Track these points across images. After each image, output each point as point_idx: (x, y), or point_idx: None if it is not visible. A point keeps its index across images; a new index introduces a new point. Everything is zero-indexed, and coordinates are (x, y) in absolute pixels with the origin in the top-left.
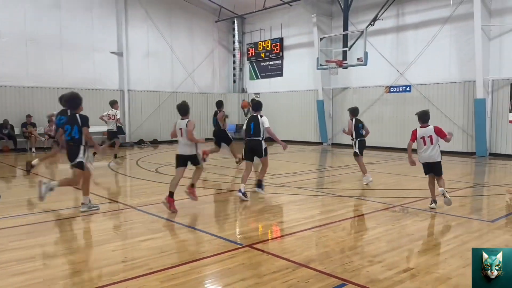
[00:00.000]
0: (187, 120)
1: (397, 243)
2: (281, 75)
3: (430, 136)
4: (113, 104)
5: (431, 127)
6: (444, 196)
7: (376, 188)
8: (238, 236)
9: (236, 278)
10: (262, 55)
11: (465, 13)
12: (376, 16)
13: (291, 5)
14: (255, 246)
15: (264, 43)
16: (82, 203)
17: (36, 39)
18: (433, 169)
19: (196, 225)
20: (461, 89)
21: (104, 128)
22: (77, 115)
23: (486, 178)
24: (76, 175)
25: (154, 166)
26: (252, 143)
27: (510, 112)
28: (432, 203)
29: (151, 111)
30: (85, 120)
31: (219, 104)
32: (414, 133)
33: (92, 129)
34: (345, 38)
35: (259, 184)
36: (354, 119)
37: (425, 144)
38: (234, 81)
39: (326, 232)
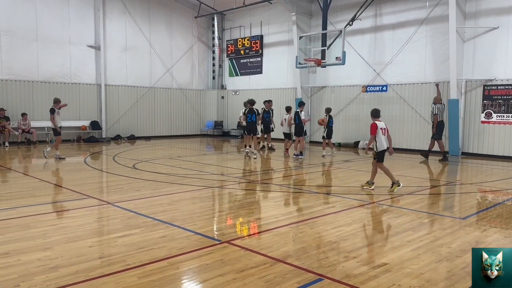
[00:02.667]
0: (289, 114)
1: (372, 239)
2: (260, 72)
3: (385, 129)
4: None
5: (383, 122)
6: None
7: (352, 185)
8: (216, 233)
9: (214, 273)
10: (242, 52)
11: (441, 15)
12: (355, 16)
13: (270, 3)
14: (233, 242)
15: (244, 40)
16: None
17: (11, 31)
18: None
19: (174, 222)
20: (436, 89)
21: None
22: (254, 109)
23: (458, 177)
24: (254, 139)
25: (131, 162)
26: (298, 127)
27: (482, 112)
28: (372, 185)
29: (129, 106)
30: (258, 111)
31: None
32: (375, 126)
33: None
34: (324, 37)
35: (301, 153)
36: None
37: (383, 134)
38: (214, 78)
39: (303, 228)
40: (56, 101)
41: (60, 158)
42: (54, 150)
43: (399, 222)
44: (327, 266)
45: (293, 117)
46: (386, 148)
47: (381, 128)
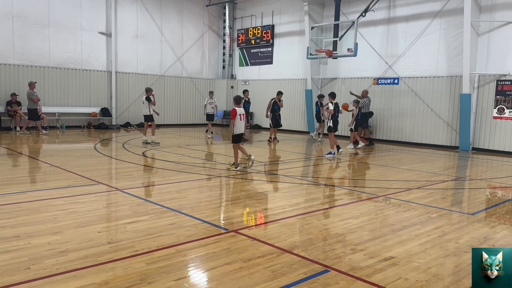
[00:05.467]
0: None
1: (379, 233)
2: (270, 62)
3: (243, 114)
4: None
5: (242, 108)
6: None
7: (360, 178)
8: (224, 222)
9: (221, 262)
10: (253, 41)
11: (455, 7)
12: (368, 7)
13: None
14: (240, 231)
15: (255, 30)
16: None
17: (23, 16)
18: (241, 138)
19: (182, 210)
20: (448, 83)
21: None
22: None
23: (468, 172)
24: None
25: (140, 149)
26: (337, 122)
27: (495, 108)
28: (238, 166)
29: (139, 94)
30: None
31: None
32: (235, 111)
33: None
34: (336, 28)
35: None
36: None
37: (241, 120)
38: (224, 67)
39: (310, 219)
40: (149, 90)
41: (155, 143)
42: (151, 136)
43: (407, 216)
44: (333, 258)
45: (333, 110)
46: (242, 133)
47: (240, 114)
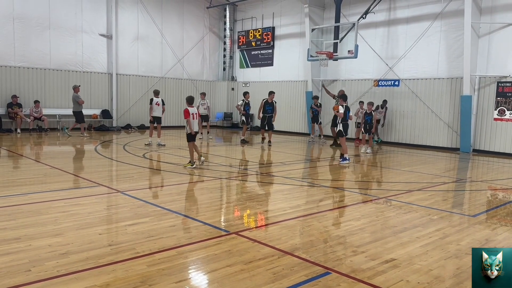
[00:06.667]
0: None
1: (381, 235)
2: (271, 64)
3: (195, 114)
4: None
5: (195, 108)
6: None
7: (361, 180)
8: (225, 223)
9: (222, 264)
10: (253, 43)
11: (456, 9)
12: (368, 9)
13: None
14: (241, 233)
15: (256, 32)
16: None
17: (24, 18)
18: (195, 137)
19: (183, 211)
20: (448, 85)
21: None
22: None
23: (469, 174)
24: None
25: (141, 151)
26: (347, 125)
27: (495, 109)
28: (194, 164)
29: (139, 96)
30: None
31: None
32: (188, 111)
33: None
34: (336, 30)
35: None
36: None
37: (193, 118)
38: (224, 69)
39: (311, 221)
40: (157, 93)
41: (161, 145)
42: (155, 138)
43: (408, 218)
44: (335, 260)
45: (342, 113)
46: (196, 131)
47: (192, 113)
